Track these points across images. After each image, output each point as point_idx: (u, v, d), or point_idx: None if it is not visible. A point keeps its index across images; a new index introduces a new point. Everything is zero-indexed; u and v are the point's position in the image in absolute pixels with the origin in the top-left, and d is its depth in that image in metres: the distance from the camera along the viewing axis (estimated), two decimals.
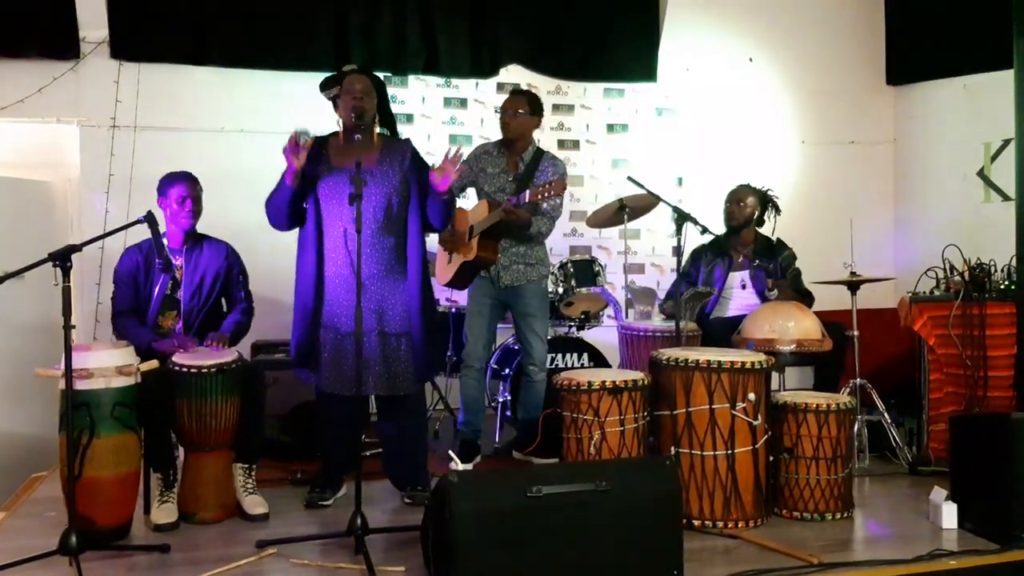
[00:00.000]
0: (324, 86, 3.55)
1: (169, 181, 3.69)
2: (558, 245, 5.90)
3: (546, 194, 3.76)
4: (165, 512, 3.30)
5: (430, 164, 3.45)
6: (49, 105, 5.10)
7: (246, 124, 5.38)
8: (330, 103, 3.64)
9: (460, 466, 2.63)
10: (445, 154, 3.36)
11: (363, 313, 3.30)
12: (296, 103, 5.29)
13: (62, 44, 5.10)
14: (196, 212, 3.69)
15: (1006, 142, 5.66)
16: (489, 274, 4.13)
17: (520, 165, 4.16)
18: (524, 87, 5.87)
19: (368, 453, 4.06)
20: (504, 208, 3.88)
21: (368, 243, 3.38)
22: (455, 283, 4.22)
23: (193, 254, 3.71)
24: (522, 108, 4.13)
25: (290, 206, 3.42)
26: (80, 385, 3.01)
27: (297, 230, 3.55)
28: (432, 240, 4.40)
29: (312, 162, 3.44)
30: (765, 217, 4.68)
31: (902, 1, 6.32)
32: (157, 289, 3.65)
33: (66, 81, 5.12)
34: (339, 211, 3.40)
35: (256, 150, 5.26)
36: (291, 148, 3.27)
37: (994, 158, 5.83)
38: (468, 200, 4.37)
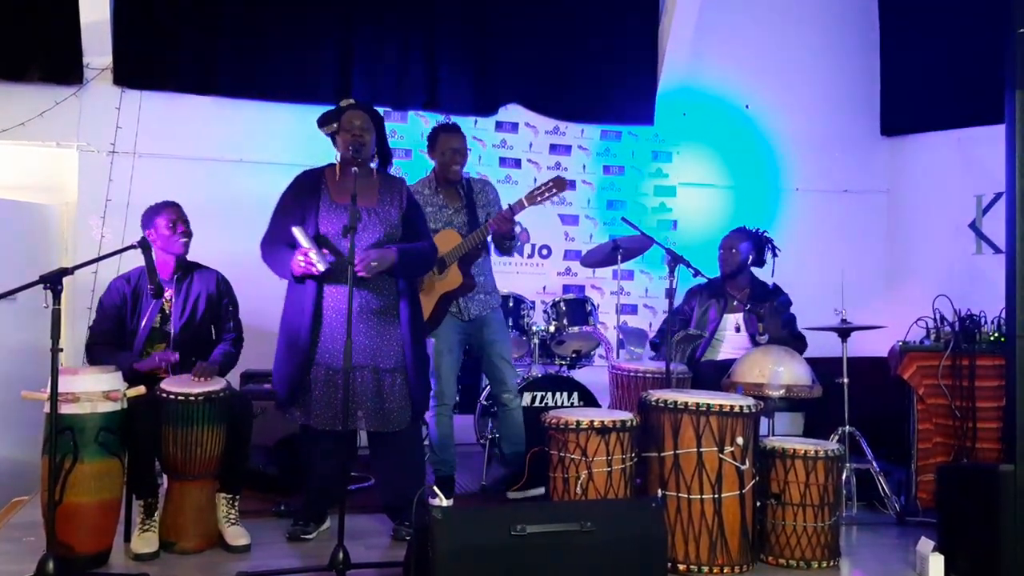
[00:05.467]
0: (323, 122, 3.55)
1: (155, 210, 3.67)
2: (552, 283, 5.92)
3: (546, 193, 3.81)
4: (145, 541, 3.26)
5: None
6: (50, 129, 5.13)
7: (245, 154, 5.42)
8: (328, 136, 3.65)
9: (444, 503, 2.61)
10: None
11: (359, 348, 3.32)
12: (296, 135, 5.33)
13: (66, 69, 5.14)
14: (188, 235, 3.67)
15: (998, 195, 5.71)
16: (458, 307, 4.08)
17: (461, 195, 4.15)
18: (523, 126, 5.95)
19: (353, 487, 4.02)
20: (501, 217, 3.91)
21: (369, 279, 3.38)
22: (432, 321, 4.09)
23: (183, 285, 3.68)
24: (466, 147, 4.16)
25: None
26: (65, 409, 2.99)
27: None
28: None
29: (309, 196, 3.46)
30: (764, 258, 4.70)
31: (898, 53, 6.41)
32: (145, 321, 3.61)
33: (68, 106, 5.16)
34: (340, 246, 3.39)
35: (254, 180, 5.29)
36: (308, 267, 3.28)
37: (986, 211, 5.88)
38: None
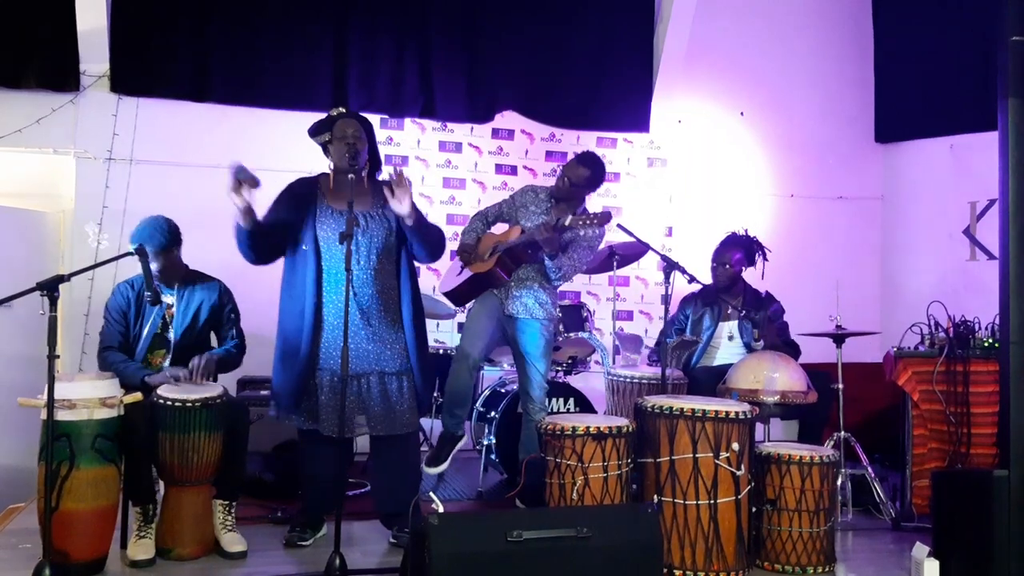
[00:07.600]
0: (314, 132, 3.56)
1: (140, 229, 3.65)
2: None
3: (588, 221, 3.75)
4: (142, 548, 3.26)
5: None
6: (47, 136, 5.14)
7: (242, 161, 5.38)
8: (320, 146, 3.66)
9: (441, 508, 2.62)
10: (390, 182, 3.30)
11: (362, 354, 3.35)
12: (292, 142, 5.33)
13: (63, 76, 5.16)
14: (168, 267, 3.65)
15: (992, 202, 5.74)
16: (499, 295, 4.07)
17: (572, 212, 4.03)
18: (519, 132, 5.97)
19: (351, 493, 4.02)
20: (544, 225, 3.83)
21: (369, 283, 3.40)
22: (456, 294, 4.17)
23: (185, 292, 3.69)
24: (583, 174, 4.07)
25: (252, 243, 3.41)
26: (62, 416, 2.99)
27: (283, 267, 3.55)
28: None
29: (304, 204, 3.47)
30: (754, 260, 4.71)
31: (891, 60, 6.45)
32: (147, 328, 3.63)
33: (65, 113, 5.17)
34: (340, 252, 3.39)
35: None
36: (233, 189, 3.28)
37: (980, 217, 5.91)
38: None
